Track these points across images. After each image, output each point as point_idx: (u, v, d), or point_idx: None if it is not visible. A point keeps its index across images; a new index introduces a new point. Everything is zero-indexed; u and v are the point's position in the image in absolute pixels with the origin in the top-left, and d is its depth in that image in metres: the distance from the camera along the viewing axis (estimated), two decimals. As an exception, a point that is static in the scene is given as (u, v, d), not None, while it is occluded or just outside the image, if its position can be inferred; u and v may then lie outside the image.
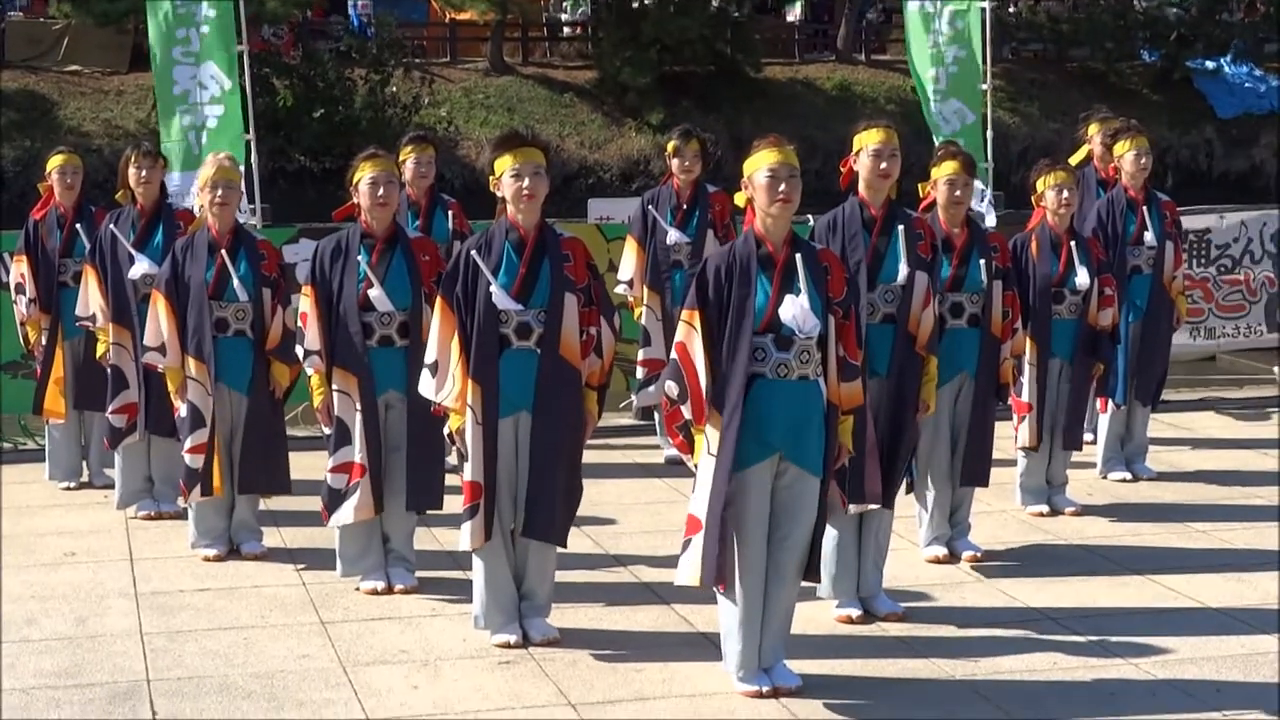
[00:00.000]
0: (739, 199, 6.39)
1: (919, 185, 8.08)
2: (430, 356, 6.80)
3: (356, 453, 7.54)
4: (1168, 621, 7.29)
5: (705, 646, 6.57)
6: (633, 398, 11.10)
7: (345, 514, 7.59)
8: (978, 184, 11.04)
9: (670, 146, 10.34)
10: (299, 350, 7.69)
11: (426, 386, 6.83)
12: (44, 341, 9.69)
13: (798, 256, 6.22)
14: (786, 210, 6.24)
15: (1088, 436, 9.95)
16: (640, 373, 10.33)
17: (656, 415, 10.66)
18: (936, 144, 8.34)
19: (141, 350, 8.42)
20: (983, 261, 7.92)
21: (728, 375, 6.16)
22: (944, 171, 7.85)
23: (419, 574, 7.79)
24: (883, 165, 7.20)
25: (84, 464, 10.03)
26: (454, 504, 7.24)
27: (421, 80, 30.40)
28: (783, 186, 6.20)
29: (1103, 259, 9.11)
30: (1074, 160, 10.50)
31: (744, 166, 6.33)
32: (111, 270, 8.98)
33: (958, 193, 7.85)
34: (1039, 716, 6.20)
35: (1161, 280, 9.80)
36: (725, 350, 6.18)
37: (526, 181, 6.69)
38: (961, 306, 7.93)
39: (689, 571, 6.27)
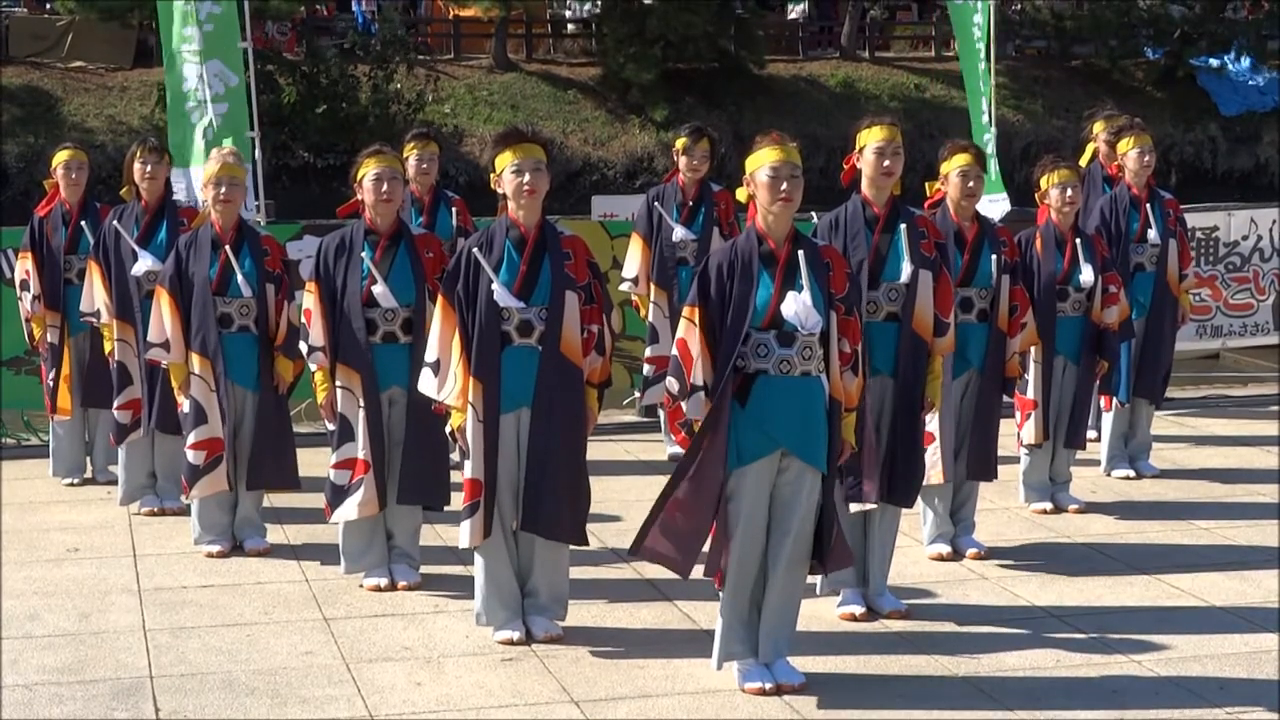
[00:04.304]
0: (741, 194, 6.40)
1: (925, 184, 8.08)
2: (431, 355, 6.80)
3: (360, 449, 7.54)
4: (1171, 619, 7.29)
5: (708, 643, 6.56)
6: (636, 395, 11.10)
7: (348, 510, 7.59)
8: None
9: (680, 144, 10.31)
10: (303, 346, 7.70)
11: (428, 385, 6.82)
12: (53, 339, 9.67)
13: (800, 253, 6.23)
14: (788, 209, 6.25)
15: (1091, 434, 9.95)
16: (648, 370, 10.32)
17: (660, 412, 10.67)
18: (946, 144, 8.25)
19: (145, 346, 8.43)
20: (994, 256, 7.92)
21: (721, 370, 6.17)
22: (956, 163, 7.85)
23: (422, 570, 7.79)
24: (886, 163, 7.19)
25: (88, 460, 10.04)
26: (456, 500, 7.24)
27: (425, 77, 30.42)
28: (784, 186, 6.20)
29: (1106, 256, 9.10)
30: (1083, 160, 10.50)
31: (746, 163, 6.33)
32: (115, 266, 8.99)
33: (971, 183, 7.85)
34: (1042, 714, 6.19)
35: (1165, 278, 9.80)
36: (723, 345, 6.19)
37: (527, 177, 6.69)
38: (971, 301, 7.92)
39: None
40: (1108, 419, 10.01)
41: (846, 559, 6.56)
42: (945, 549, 8.18)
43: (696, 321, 6.21)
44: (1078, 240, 8.86)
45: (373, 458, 7.52)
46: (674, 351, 6.28)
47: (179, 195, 10.13)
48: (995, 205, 13.30)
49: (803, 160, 6.34)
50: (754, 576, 6.33)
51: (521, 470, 6.78)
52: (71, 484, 9.91)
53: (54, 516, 9.18)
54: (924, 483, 7.59)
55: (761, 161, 6.25)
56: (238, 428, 8.26)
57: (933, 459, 7.72)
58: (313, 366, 7.67)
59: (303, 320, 7.69)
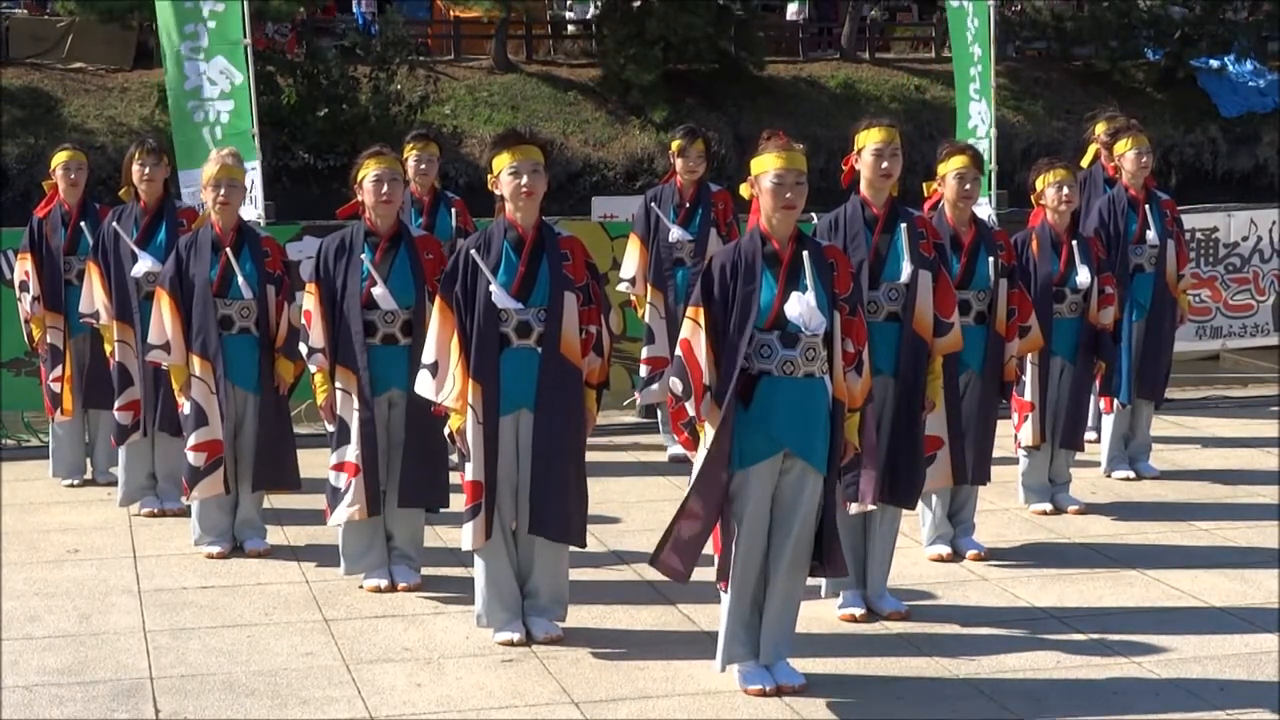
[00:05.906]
0: (744, 190, 6.40)
1: (924, 185, 8.09)
2: (429, 357, 6.80)
3: (351, 452, 7.54)
4: (1171, 620, 7.29)
5: (708, 645, 6.56)
6: (636, 396, 11.11)
7: (340, 514, 7.59)
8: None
9: (675, 145, 10.34)
10: (303, 348, 7.70)
11: (425, 386, 6.82)
12: (54, 340, 9.65)
13: (804, 254, 6.22)
14: (791, 215, 6.26)
15: (1091, 435, 9.95)
16: (644, 370, 10.34)
17: (660, 413, 10.68)
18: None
19: (145, 348, 8.42)
20: (990, 259, 7.92)
21: (726, 370, 6.17)
22: (953, 165, 7.84)
23: (422, 571, 7.78)
24: (884, 164, 7.19)
25: (88, 461, 10.03)
26: (455, 502, 7.24)
27: (426, 78, 30.41)
28: (788, 195, 6.21)
29: (1103, 258, 9.10)
30: (1085, 162, 10.49)
31: (751, 164, 6.32)
32: (114, 267, 8.99)
33: (967, 186, 7.85)
34: (1042, 715, 6.20)
35: (1164, 278, 9.80)
36: (728, 347, 6.18)
37: (524, 179, 6.70)
38: (969, 304, 7.92)
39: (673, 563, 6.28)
40: (1108, 420, 10.02)
41: (843, 570, 6.57)
42: (945, 550, 8.19)
43: (701, 322, 6.20)
44: (1074, 241, 8.87)
45: (363, 461, 7.51)
46: (678, 352, 6.28)
47: (186, 198, 10.08)
48: (979, 208, 13.29)
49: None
50: (756, 578, 6.33)
51: (526, 473, 6.77)
52: (71, 485, 9.91)
53: (54, 518, 9.18)
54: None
55: (767, 167, 6.24)
56: (238, 429, 8.25)
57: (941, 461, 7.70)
58: (312, 368, 7.68)
59: (302, 322, 7.69)
